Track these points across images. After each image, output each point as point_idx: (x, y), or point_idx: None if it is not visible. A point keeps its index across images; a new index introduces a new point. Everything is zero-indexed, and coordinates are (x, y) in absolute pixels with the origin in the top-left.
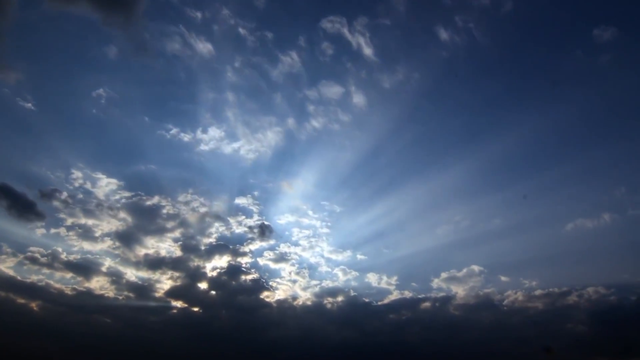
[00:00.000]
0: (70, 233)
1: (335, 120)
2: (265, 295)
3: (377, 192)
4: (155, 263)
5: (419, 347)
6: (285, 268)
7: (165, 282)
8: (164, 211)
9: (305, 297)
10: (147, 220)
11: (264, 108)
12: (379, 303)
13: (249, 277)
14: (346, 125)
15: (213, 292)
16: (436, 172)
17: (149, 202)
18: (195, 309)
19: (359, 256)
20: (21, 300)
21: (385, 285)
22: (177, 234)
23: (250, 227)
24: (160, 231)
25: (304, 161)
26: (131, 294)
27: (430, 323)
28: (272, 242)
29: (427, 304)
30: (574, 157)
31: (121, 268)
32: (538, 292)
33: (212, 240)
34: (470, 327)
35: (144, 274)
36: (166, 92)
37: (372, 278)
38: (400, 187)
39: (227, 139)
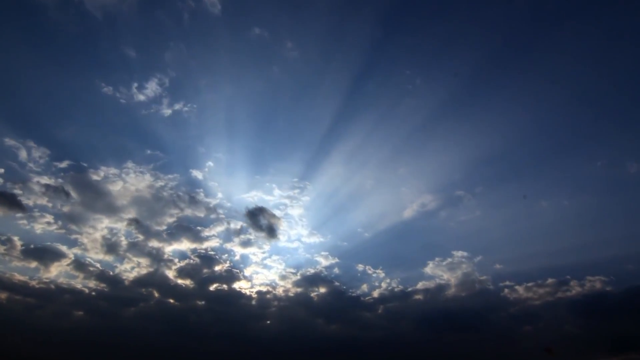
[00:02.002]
0: (19, 215)
1: (276, 77)
2: (238, 284)
3: (351, 172)
4: (114, 247)
5: (409, 339)
6: (257, 254)
7: (130, 270)
8: (113, 188)
9: (285, 286)
10: (94, 198)
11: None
12: (368, 297)
13: (219, 264)
14: (295, 84)
15: (180, 281)
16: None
17: (95, 177)
18: (169, 299)
19: (340, 242)
20: None
21: (371, 274)
22: (132, 214)
23: (214, 207)
24: (112, 210)
25: (257, 130)
26: (99, 283)
27: (420, 315)
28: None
29: (418, 296)
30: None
31: (80, 252)
32: (530, 283)
33: (172, 220)
34: (462, 319)
35: (103, 257)
36: (77, 43)
37: (357, 266)
38: (375, 169)
39: (168, 97)
